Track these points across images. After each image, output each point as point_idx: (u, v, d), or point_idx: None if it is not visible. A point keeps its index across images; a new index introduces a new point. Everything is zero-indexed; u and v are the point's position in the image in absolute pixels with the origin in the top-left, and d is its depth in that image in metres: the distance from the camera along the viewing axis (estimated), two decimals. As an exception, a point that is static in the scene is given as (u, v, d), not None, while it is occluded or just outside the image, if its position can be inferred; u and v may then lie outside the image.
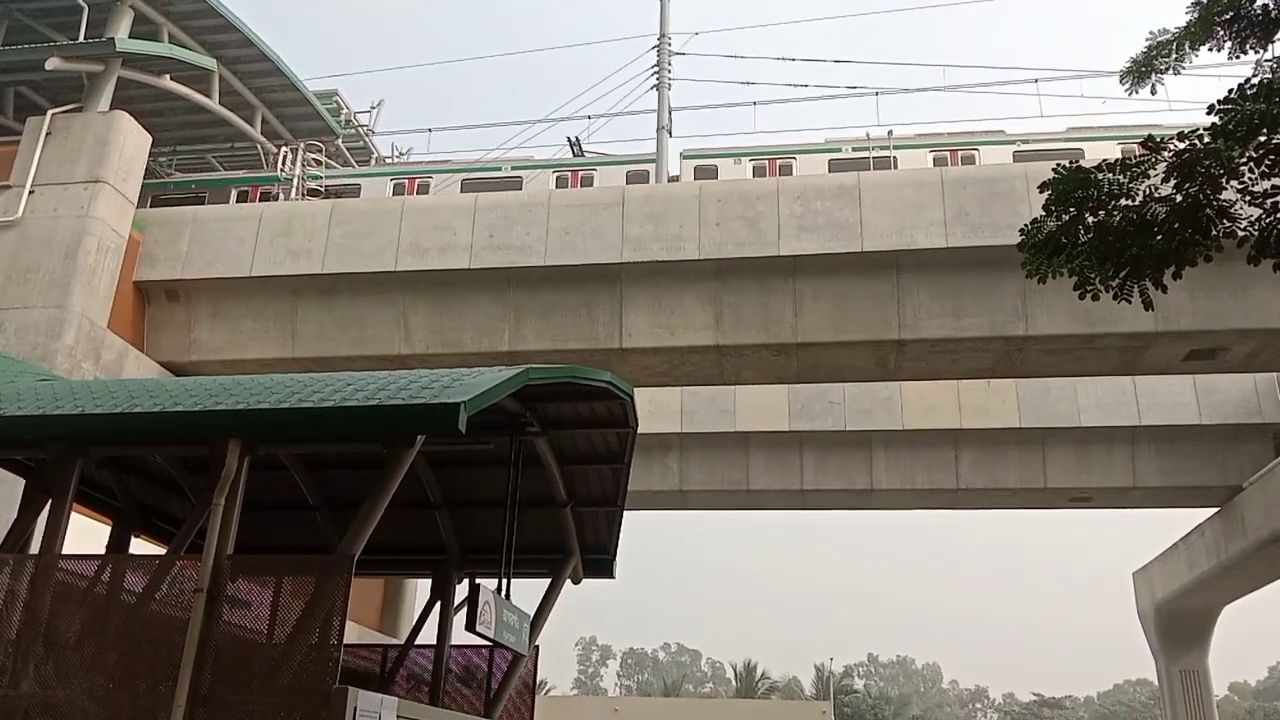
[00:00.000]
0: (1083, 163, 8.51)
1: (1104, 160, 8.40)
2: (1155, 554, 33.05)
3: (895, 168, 23.84)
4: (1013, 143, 24.87)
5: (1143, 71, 9.79)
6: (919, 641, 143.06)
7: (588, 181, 25.62)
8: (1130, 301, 8.59)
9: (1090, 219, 8.36)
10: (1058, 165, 8.45)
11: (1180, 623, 32.51)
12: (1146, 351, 18.34)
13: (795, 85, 35.07)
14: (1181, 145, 7.90)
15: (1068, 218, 8.42)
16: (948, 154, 25.21)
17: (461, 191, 25.02)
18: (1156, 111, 26.76)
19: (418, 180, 27.13)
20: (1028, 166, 17.81)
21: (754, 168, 25.45)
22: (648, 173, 25.89)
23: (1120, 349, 18.34)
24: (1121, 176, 8.19)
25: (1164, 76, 9.70)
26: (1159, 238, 8.09)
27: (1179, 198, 8.03)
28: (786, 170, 25.07)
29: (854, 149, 25.60)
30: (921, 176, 18.66)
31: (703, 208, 18.85)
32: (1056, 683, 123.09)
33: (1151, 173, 8.25)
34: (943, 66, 73.31)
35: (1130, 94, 9.77)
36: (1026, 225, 8.76)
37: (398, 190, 26.81)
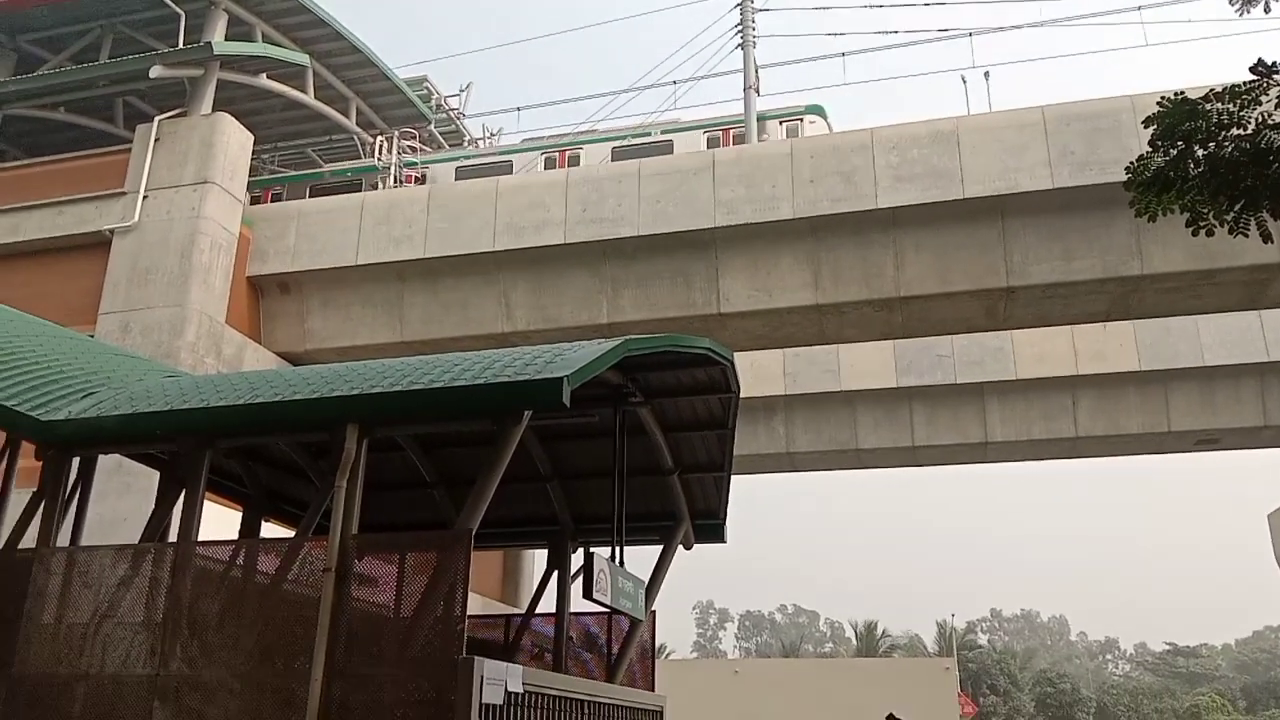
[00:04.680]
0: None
1: (1210, 89, 8.00)
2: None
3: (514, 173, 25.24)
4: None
5: (1256, -12, 9.25)
6: (1044, 595, 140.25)
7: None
8: (1247, 235, 8.20)
9: (1200, 151, 7.99)
10: (1163, 97, 8.08)
11: (1322, 565, 31.09)
12: (1271, 285, 17.49)
13: (884, 32, 34.05)
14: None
15: (1176, 152, 8.06)
16: (557, 155, 26.56)
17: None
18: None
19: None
20: (1135, 98, 17.04)
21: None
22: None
23: (1243, 283, 17.53)
24: (1232, 105, 7.79)
25: None
26: (1275, 167, 7.69)
27: (1296, 122, 7.62)
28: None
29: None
30: (1022, 117, 18.04)
31: (795, 165, 18.60)
32: (1191, 631, 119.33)
33: (1264, 99, 7.83)
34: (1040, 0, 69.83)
35: (1241, 14, 9.25)
36: (1133, 163, 8.42)
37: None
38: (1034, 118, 17.92)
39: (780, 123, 25.07)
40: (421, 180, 26.96)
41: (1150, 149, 8.32)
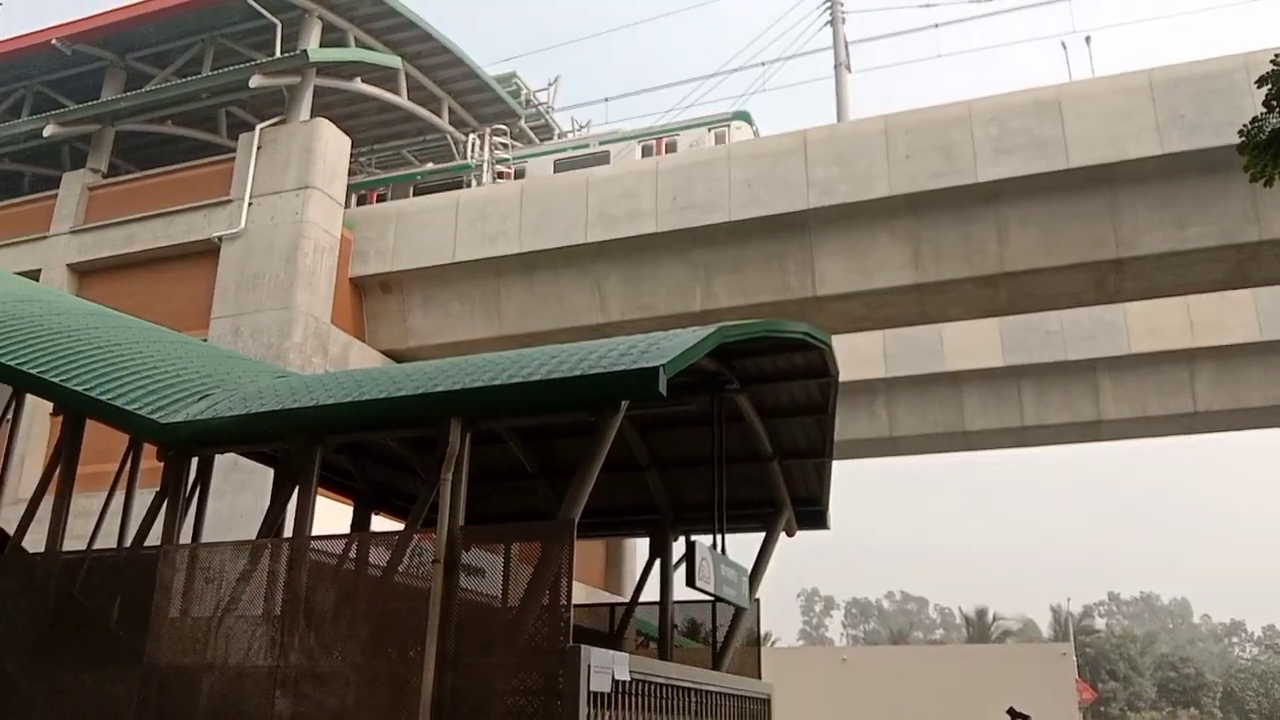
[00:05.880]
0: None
1: None
2: None
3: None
4: None
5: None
6: (1163, 577, 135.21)
7: None
8: (1381, 192, 7.72)
9: None
10: (1277, 55, 7.65)
11: None
12: (1405, 245, 16.49)
13: (979, 0, 33.10)
14: None
15: (1293, 112, 7.63)
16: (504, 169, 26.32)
17: None
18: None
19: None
20: (1248, 57, 16.21)
21: None
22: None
23: (1374, 245, 16.57)
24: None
25: None
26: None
27: None
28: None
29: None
30: (1128, 81, 17.35)
31: (890, 142, 18.23)
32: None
33: None
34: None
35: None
36: (1246, 125, 8.00)
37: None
38: (1140, 81, 17.21)
39: (709, 129, 25.49)
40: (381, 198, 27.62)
41: (1265, 109, 7.91)
